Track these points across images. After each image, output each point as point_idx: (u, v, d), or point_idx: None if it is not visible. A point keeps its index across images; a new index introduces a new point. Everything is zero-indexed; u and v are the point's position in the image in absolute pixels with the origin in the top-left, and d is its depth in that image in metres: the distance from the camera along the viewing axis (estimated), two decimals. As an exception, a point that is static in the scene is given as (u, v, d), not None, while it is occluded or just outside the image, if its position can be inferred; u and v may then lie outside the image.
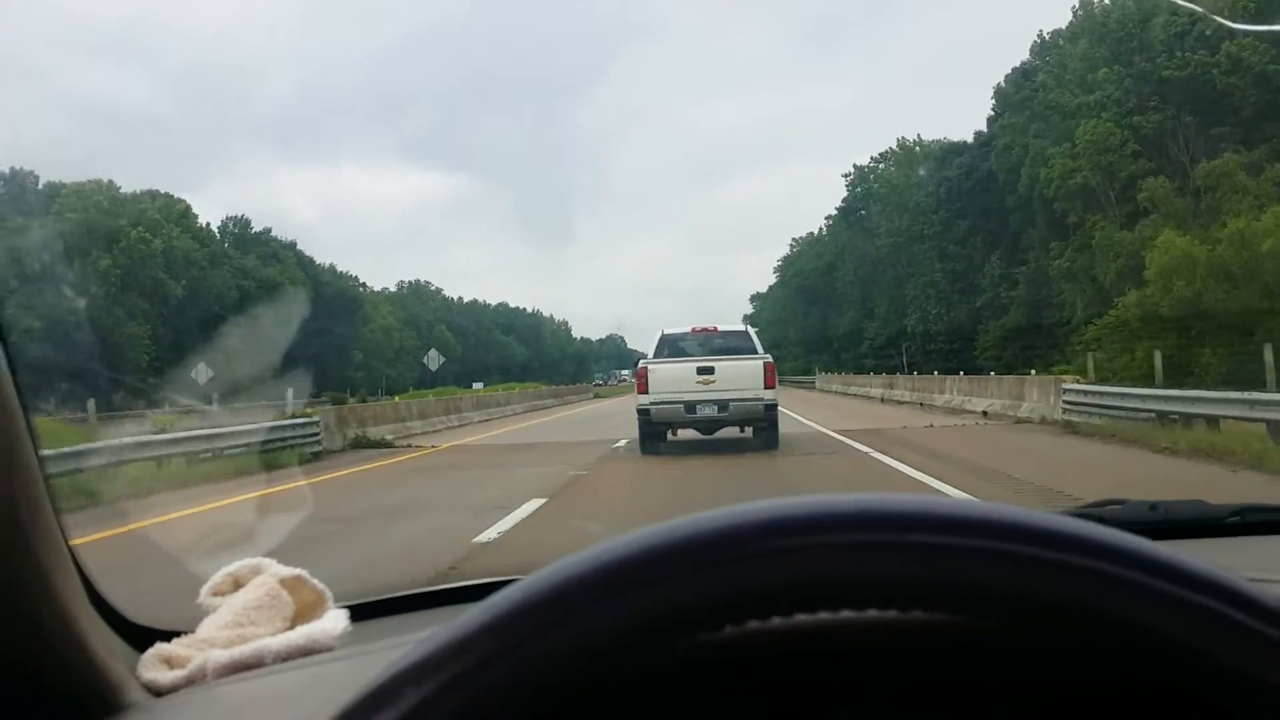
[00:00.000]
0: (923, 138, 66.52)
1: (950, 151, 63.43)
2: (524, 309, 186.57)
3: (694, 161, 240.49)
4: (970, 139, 62.60)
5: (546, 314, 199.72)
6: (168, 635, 0.97)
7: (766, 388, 15.30)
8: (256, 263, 79.06)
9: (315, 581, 0.98)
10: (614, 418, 25.54)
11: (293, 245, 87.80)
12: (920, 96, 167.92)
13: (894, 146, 68.12)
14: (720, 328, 16.99)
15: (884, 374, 48.09)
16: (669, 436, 16.47)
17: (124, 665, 0.91)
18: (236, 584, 0.98)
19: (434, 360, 52.59)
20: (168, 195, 72.84)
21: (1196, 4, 28.92)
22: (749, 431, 16.06)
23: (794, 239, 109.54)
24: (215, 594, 0.98)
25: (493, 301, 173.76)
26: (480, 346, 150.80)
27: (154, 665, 0.92)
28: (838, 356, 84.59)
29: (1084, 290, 44.11)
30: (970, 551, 0.47)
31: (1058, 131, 44.28)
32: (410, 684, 0.46)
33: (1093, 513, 1.61)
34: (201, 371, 31.20)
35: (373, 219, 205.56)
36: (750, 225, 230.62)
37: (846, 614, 0.51)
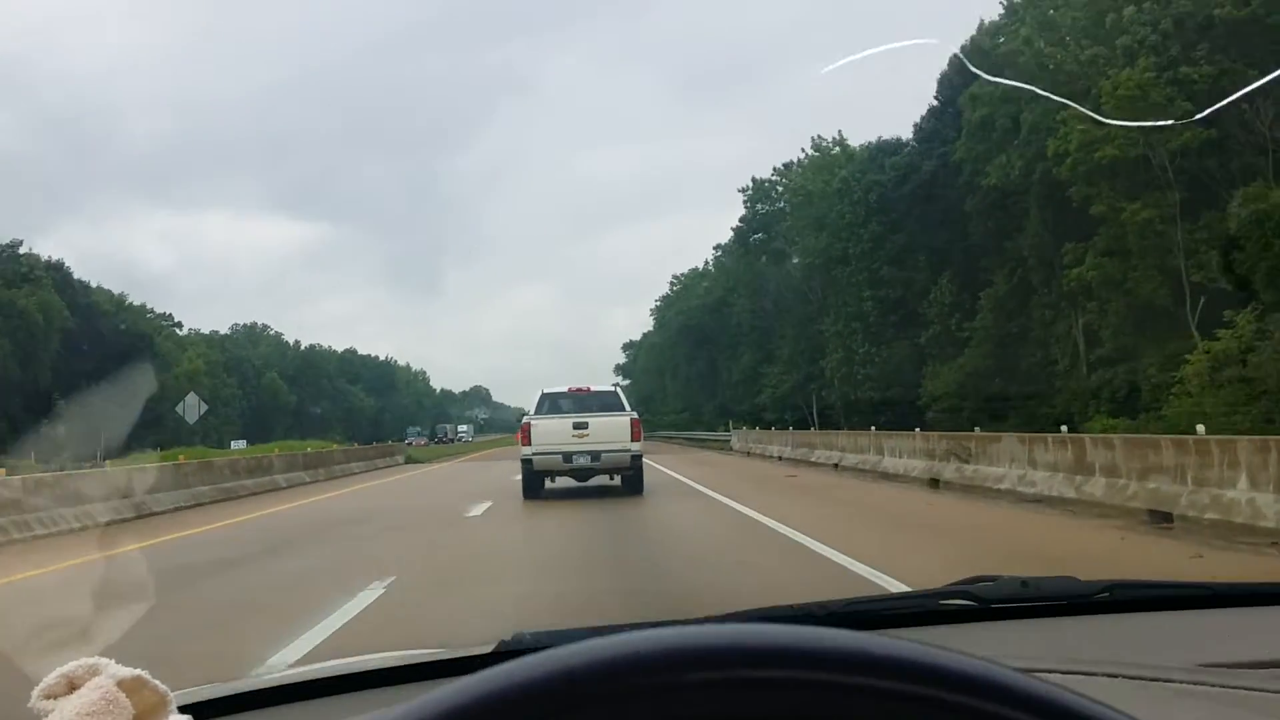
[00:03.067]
0: (844, 136, 54.04)
1: (882, 151, 51.13)
2: (375, 356, 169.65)
3: (567, 214, 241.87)
4: (906, 135, 50.48)
5: (402, 363, 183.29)
6: None
7: (633, 440, 17.09)
8: (-2, 284, 61.84)
9: (156, 682, 0.87)
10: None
11: (59, 266, 70.56)
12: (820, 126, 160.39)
13: (807, 150, 55.67)
14: (593, 388, 18.73)
15: (823, 430, 35.06)
16: (546, 484, 17.69)
17: None
18: (71, 686, 0.87)
19: (192, 409, 37.27)
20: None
21: None
22: (617, 479, 17.75)
23: (675, 276, 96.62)
24: (47, 696, 0.86)
25: (339, 347, 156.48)
26: (321, 396, 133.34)
27: None
28: (726, 409, 71.81)
29: (1118, 309, 31.51)
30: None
31: (1062, 92, 31.83)
32: None
33: (964, 589, 1.64)
34: None
35: (234, 267, 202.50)
36: (623, 278, 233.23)
37: None
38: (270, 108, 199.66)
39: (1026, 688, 0.48)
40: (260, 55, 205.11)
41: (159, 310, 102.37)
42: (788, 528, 11.19)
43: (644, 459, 18.20)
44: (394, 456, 36.64)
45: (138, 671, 0.87)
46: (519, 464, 17.40)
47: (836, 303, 51.88)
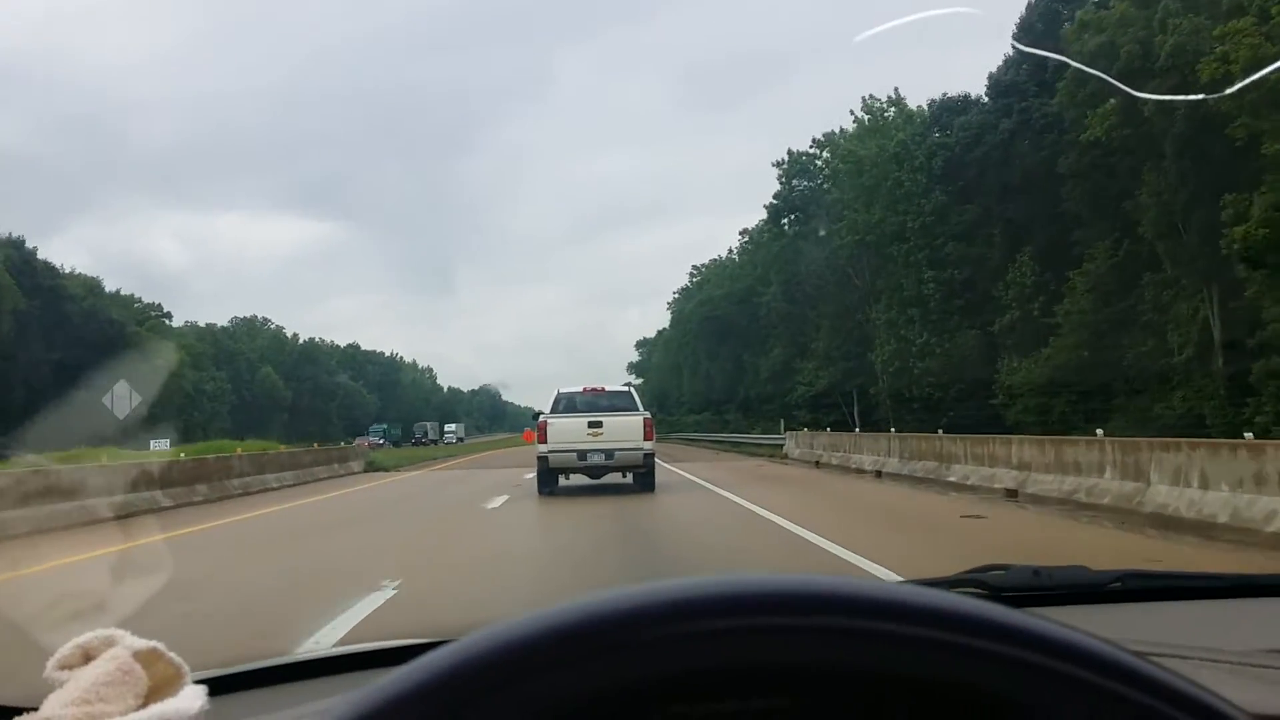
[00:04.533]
0: (900, 94, 46.76)
1: (947, 110, 44.10)
2: (380, 352, 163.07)
3: (579, 215, 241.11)
4: (977, 93, 43.43)
5: (409, 359, 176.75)
6: (8, 713, 0.88)
7: (645, 439, 17.42)
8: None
9: (172, 655, 0.88)
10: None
11: (18, 244, 63.94)
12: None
13: (857, 112, 48.41)
14: (607, 388, 19.06)
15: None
16: (560, 481, 17.88)
17: None
18: (87, 656, 0.88)
19: (122, 400, 30.36)
20: None
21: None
22: (630, 477, 18.04)
23: (695, 266, 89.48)
24: (63, 667, 0.87)
25: (341, 342, 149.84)
26: (319, 393, 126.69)
27: None
28: (754, 409, 65.13)
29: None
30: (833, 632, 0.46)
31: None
32: None
33: (977, 578, 1.66)
34: None
35: (244, 264, 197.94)
36: (634, 280, 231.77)
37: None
38: (283, 108, 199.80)
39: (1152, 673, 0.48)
40: (273, 56, 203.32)
41: (148, 300, 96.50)
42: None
43: (681, 473, 19.18)
44: (347, 463, 28.88)
45: (153, 643, 0.87)
46: (515, 472, 17.68)
47: (889, 286, 44.84)
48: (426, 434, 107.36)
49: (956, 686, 0.48)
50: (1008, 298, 38.52)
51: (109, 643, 0.85)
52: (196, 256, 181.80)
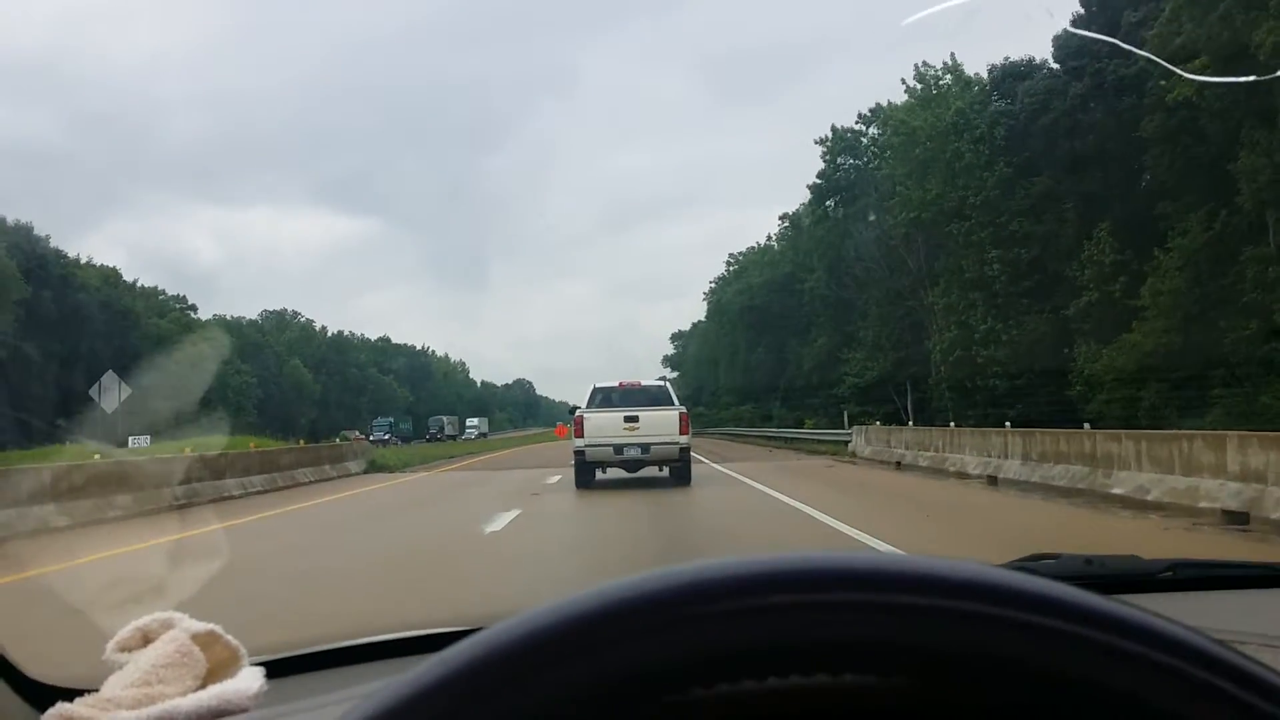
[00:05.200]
0: (958, 60, 42.89)
1: (1010, 76, 40.41)
2: (411, 345, 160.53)
3: (610, 209, 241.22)
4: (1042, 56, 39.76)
5: (441, 353, 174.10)
6: (70, 694, 0.88)
7: (681, 433, 17.44)
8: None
9: (229, 637, 0.92)
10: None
11: (26, 229, 61.63)
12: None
13: (909, 81, 44.61)
14: (643, 383, 19.22)
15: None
16: (597, 475, 17.89)
17: None
18: (146, 639, 0.91)
19: (110, 393, 27.58)
20: None
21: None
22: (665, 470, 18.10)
23: (732, 254, 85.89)
24: (122, 649, 0.90)
25: (372, 335, 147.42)
26: (349, 387, 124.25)
27: None
28: (798, 401, 61.91)
29: None
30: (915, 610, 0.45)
31: None
32: None
33: (1027, 566, 1.54)
34: None
35: (281, 262, 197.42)
36: (667, 274, 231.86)
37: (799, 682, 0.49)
38: (312, 104, 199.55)
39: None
40: (301, 52, 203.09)
41: (173, 293, 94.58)
42: None
43: (740, 478, 18.68)
44: (343, 463, 24.88)
45: (211, 626, 0.89)
46: (537, 474, 18.34)
47: (947, 268, 41.29)
48: (443, 429, 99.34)
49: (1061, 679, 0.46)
50: (1083, 278, 34.89)
51: (167, 625, 0.87)
52: (229, 253, 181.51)
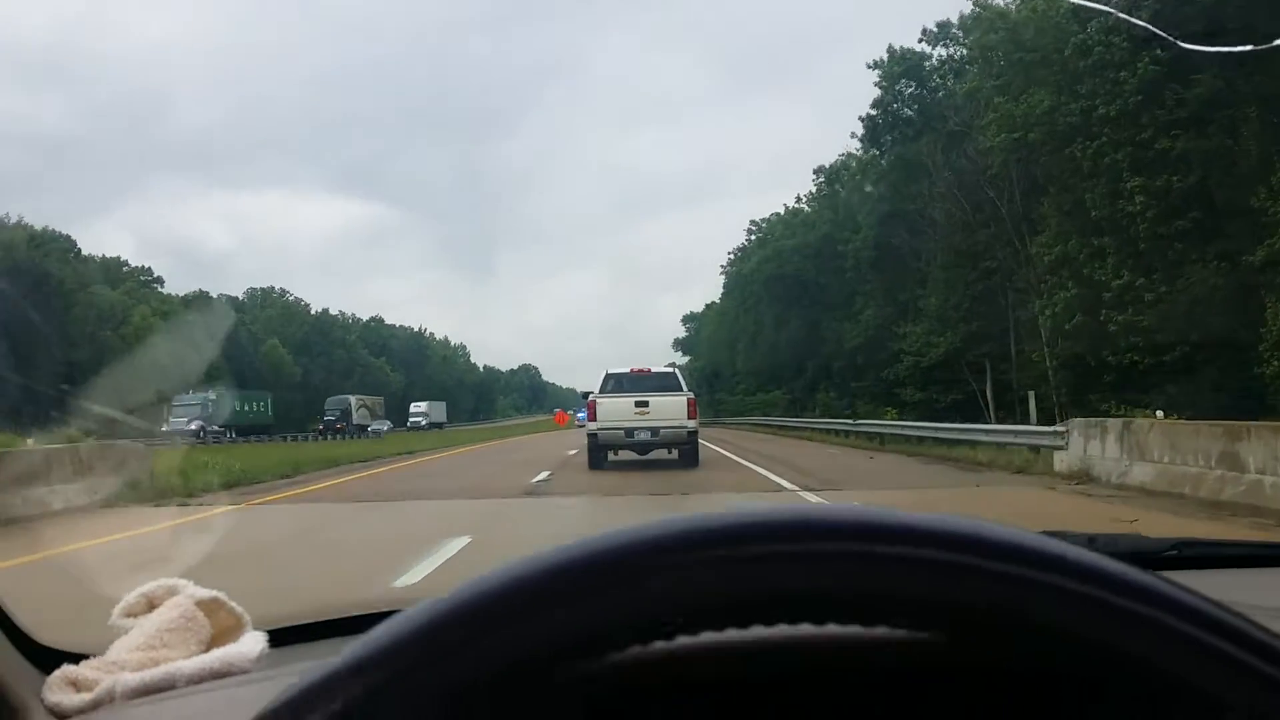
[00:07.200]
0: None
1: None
2: (406, 327, 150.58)
3: (617, 197, 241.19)
4: None
5: (440, 336, 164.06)
6: (76, 657, 0.92)
7: (689, 418, 18.33)
8: None
9: (233, 604, 0.95)
10: None
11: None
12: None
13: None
14: (653, 369, 20.08)
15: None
16: (609, 456, 18.74)
17: (28, 688, 0.88)
18: (151, 605, 0.94)
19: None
20: None
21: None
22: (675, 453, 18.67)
23: (753, 222, 75.46)
24: (128, 615, 0.94)
25: (364, 315, 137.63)
26: (335, 369, 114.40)
27: (59, 688, 0.88)
28: (840, 385, 52.23)
29: None
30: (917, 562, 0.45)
31: None
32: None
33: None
34: None
35: (292, 247, 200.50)
36: (674, 261, 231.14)
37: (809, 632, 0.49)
38: (321, 92, 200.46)
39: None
40: (311, 40, 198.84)
41: (136, 264, 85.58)
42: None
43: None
44: (87, 478, 11.49)
45: (215, 593, 0.92)
46: (501, 493, 16.81)
47: (1060, 207, 31.15)
48: (343, 418, 71.68)
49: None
50: (1274, 213, 24.75)
51: (172, 591, 0.89)
52: (235, 236, 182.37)
